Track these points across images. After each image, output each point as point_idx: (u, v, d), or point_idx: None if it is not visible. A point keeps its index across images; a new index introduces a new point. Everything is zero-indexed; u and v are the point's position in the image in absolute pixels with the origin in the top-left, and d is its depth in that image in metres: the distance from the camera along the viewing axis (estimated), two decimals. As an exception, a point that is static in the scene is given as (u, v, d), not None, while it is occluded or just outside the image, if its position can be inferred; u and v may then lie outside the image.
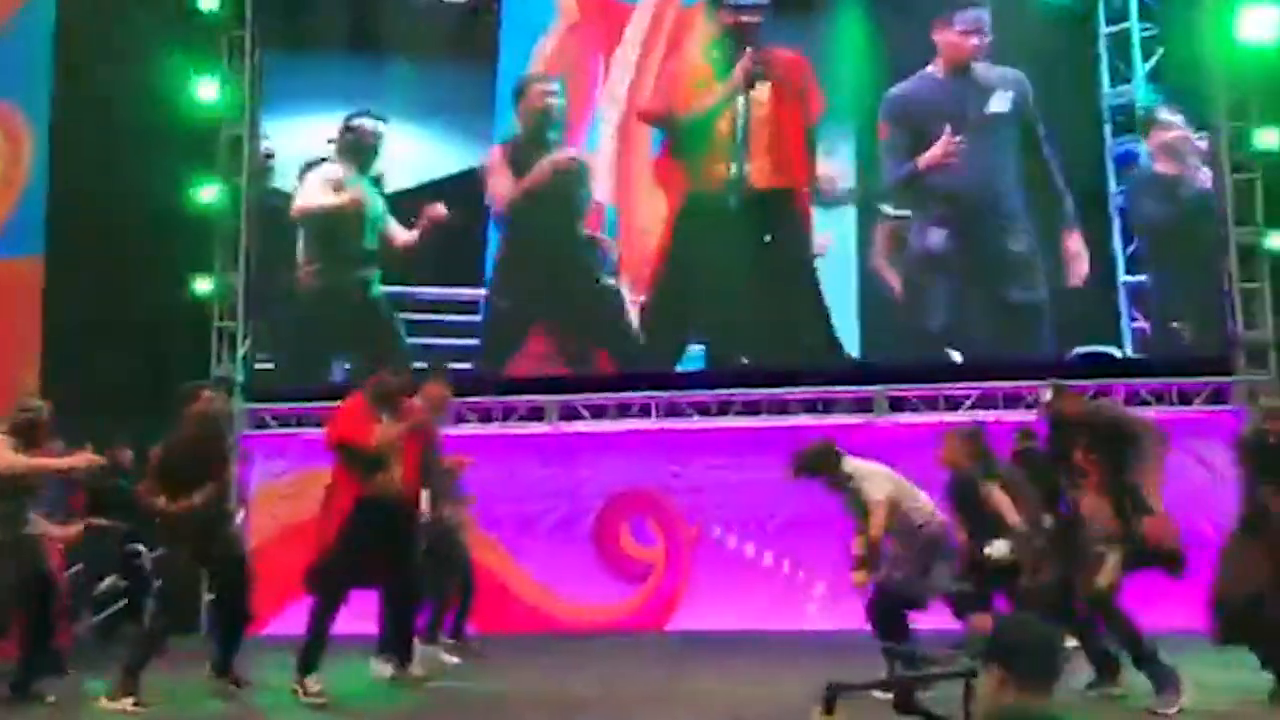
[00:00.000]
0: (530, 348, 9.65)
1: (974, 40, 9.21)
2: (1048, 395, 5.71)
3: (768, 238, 9.38)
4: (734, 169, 9.44)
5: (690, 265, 9.46)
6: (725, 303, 9.41)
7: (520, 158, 9.80)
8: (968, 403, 8.96)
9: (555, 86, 9.86)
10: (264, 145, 10.04)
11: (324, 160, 9.92)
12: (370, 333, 9.57)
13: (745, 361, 9.48)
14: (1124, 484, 5.25)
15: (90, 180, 9.27)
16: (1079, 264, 8.94)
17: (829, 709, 2.45)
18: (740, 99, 9.48)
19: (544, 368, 9.61)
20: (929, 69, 9.29)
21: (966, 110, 9.19)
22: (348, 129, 9.90)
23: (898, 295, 9.20)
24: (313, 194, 9.88)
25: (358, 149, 9.90)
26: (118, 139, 9.36)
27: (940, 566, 5.82)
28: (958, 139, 9.14)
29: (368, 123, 9.89)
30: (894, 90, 9.31)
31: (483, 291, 9.70)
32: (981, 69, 9.24)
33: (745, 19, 9.49)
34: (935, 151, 9.19)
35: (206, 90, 9.87)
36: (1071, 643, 5.86)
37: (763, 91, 9.47)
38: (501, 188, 9.77)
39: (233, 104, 10.03)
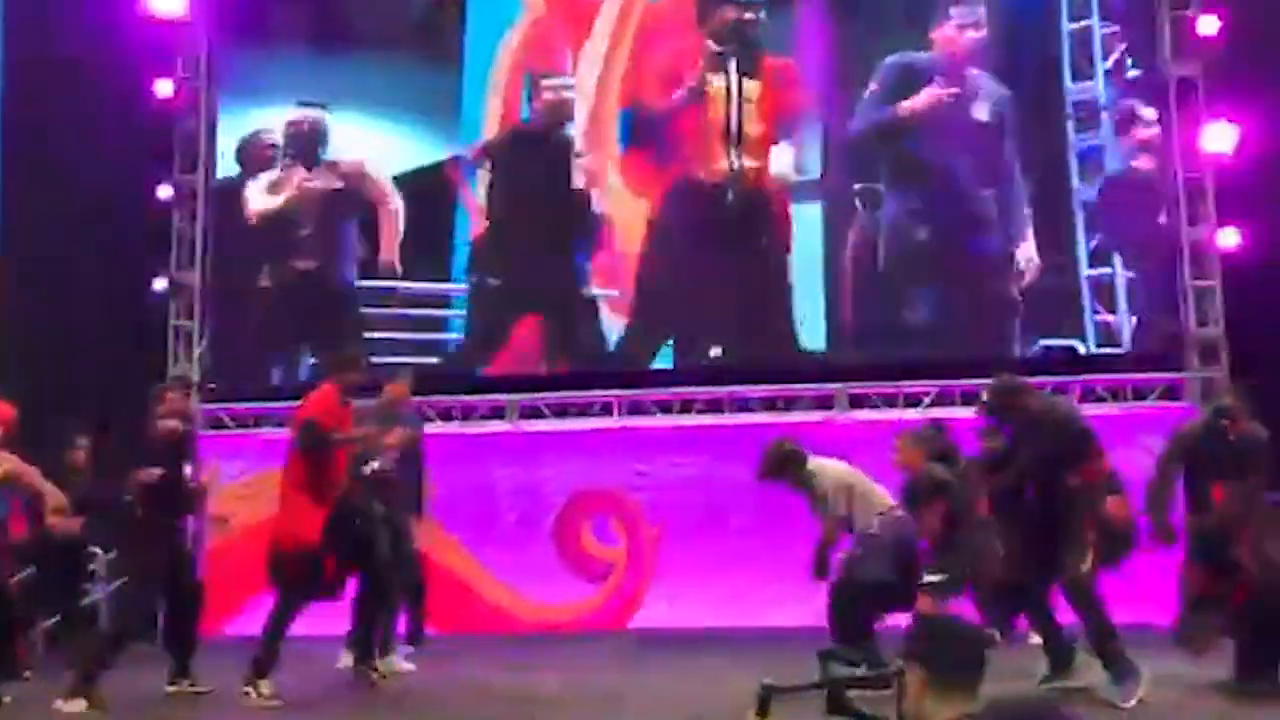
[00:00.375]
0: (515, 342, 9.63)
1: (970, 34, 9.23)
2: (986, 394, 5.74)
3: (764, 239, 9.39)
4: (732, 165, 9.40)
5: (675, 261, 9.47)
6: (711, 300, 9.42)
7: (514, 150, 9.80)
8: (926, 400, 9.02)
9: (571, 81, 9.80)
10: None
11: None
12: (331, 329, 9.49)
13: (718, 353, 9.47)
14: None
15: (44, 179, 9.15)
16: (1024, 268, 9.01)
17: (763, 710, 2.46)
18: (734, 96, 9.45)
19: (529, 363, 9.60)
20: (928, 54, 9.31)
21: (956, 104, 9.21)
22: (290, 124, 9.87)
23: (865, 288, 9.24)
24: (258, 199, 9.89)
25: (302, 144, 9.85)
26: (72, 138, 9.25)
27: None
28: (948, 91, 9.10)
29: (309, 114, 9.85)
30: (893, 57, 9.31)
31: (450, 286, 9.68)
32: (974, 75, 9.25)
33: (748, 16, 9.48)
34: (921, 100, 9.15)
35: (163, 87, 9.75)
36: (1035, 640, 5.94)
37: (751, 90, 9.45)
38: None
39: (189, 100, 9.92)
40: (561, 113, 9.76)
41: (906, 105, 9.19)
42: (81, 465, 7.53)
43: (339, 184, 9.84)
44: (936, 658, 2.25)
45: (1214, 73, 8.86)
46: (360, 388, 6.27)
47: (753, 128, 9.42)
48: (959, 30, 9.24)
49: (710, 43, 9.54)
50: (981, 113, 9.19)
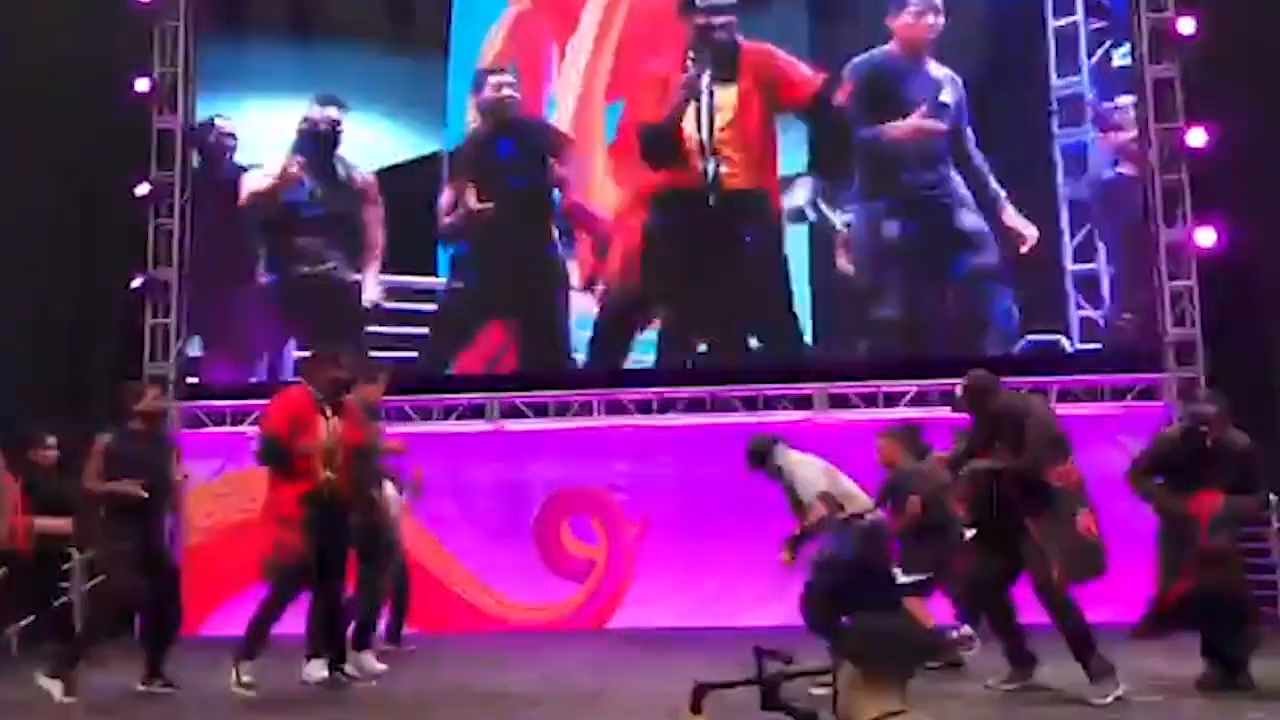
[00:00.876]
0: (483, 342, 9.60)
1: (928, 20, 9.27)
2: (960, 391, 5.73)
3: (747, 238, 9.43)
4: (708, 169, 9.42)
5: (659, 264, 9.46)
6: (696, 301, 9.43)
7: (475, 157, 9.76)
8: (905, 399, 9.02)
9: (511, 79, 9.79)
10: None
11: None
12: (326, 324, 9.47)
13: (703, 349, 9.47)
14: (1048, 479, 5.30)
15: (19, 175, 9.11)
16: (1023, 232, 9.02)
17: (696, 708, 2.46)
18: (705, 101, 9.45)
19: (497, 362, 9.58)
20: (887, 47, 9.35)
21: (922, 94, 9.26)
22: (306, 119, 9.84)
23: (851, 286, 9.26)
24: (253, 182, 9.85)
25: (316, 143, 9.83)
26: (48, 131, 9.21)
27: (883, 562, 5.85)
28: (932, 121, 9.17)
29: (328, 111, 9.82)
30: (858, 58, 9.35)
31: (436, 280, 9.66)
32: (930, 63, 9.30)
33: (717, 20, 9.47)
34: (908, 125, 9.22)
35: (140, 83, 9.72)
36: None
37: (729, 93, 9.45)
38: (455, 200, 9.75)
39: (167, 95, 9.89)
40: (505, 110, 9.72)
41: (893, 130, 9.23)
42: (50, 465, 7.45)
43: (342, 185, 9.83)
44: (867, 654, 2.26)
45: (1192, 74, 8.89)
46: (343, 386, 6.20)
47: (728, 133, 9.41)
48: (916, 17, 9.29)
49: (688, 53, 9.56)
50: (949, 96, 9.24)
